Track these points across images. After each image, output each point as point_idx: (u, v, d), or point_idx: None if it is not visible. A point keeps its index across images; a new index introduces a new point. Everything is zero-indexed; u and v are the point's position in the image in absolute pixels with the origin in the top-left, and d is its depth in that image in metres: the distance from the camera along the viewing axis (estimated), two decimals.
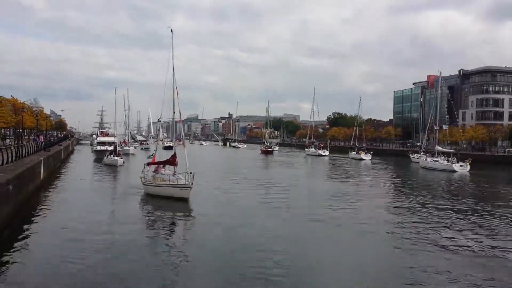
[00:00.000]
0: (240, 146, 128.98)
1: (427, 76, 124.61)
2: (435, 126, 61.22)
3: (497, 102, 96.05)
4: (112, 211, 23.01)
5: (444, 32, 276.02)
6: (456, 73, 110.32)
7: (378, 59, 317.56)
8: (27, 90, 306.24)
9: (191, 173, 24.70)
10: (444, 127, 65.73)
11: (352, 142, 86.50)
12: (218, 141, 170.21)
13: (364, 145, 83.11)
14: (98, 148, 67.26)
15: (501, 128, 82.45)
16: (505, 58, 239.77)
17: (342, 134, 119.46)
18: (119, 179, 38.46)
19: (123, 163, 50.20)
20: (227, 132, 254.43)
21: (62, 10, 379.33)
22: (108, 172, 42.87)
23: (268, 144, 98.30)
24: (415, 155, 65.75)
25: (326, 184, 37.28)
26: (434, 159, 55.68)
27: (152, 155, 30.81)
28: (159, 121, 45.45)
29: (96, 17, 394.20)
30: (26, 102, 69.10)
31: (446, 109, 79.77)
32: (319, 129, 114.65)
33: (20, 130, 65.47)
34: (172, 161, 27.43)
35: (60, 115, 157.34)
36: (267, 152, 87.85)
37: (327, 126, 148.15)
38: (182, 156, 26.04)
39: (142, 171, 28.19)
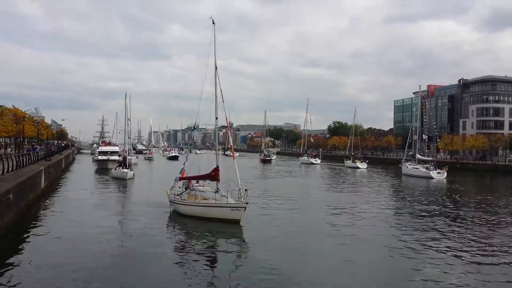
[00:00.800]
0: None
1: (427, 85, 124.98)
2: (420, 137, 65.13)
3: (498, 111, 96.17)
4: (130, 230, 19.78)
5: (442, 42, 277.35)
6: (456, 82, 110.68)
7: (376, 69, 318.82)
8: (26, 100, 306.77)
9: (245, 190, 21.09)
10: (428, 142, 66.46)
11: (347, 151, 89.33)
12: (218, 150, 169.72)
13: (359, 154, 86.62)
14: (100, 158, 62.39)
15: (501, 137, 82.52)
16: (504, 67, 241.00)
17: (342, 143, 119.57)
18: (131, 194, 34.64)
19: (133, 176, 45.63)
20: (228, 141, 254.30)
21: (59, 20, 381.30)
22: (115, 186, 39.08)
23: (266, 153, 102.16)
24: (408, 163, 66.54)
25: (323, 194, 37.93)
26: (414, 166, 58.81)
27: (182, 168, 25.47)
28: (194, 128, 35.39)
29: (92, 28, 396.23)
30: (27, 112, 69.36)
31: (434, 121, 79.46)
32: (311, 138, 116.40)
33: (21, 140, 65.53)
34: (214, 176, 23.51)
35: (61, 125, 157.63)
36: (265, 161, 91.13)
37: (328, 135, 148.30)
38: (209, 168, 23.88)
39: (173, 186, 24.39)
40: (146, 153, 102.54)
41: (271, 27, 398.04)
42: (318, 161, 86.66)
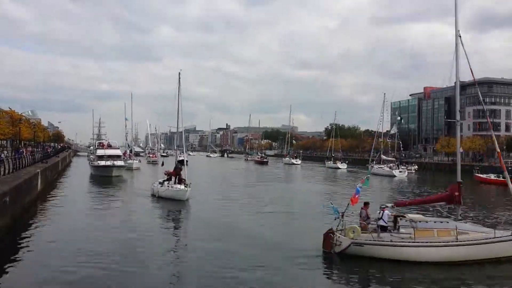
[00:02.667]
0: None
1: (424, 87, 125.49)
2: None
3: (494, 113, 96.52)
4: None
5: (430, 43, 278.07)
6: (453, 84, 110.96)
7: (367, 70, 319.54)
8: (21, 102, 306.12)
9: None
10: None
11: (328, 153, 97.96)
12: (215, 152, 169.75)
13: (340, 155, 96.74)
14: (101, 163, 49.94)
15: (498, 139, 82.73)
16: (493, 67, 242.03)
17: (342, 145, 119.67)
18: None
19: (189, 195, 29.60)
20: (225, 143, 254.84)
21: (49, 23, 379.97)
22: (165, 210, 27.05)
23: (263, 155, 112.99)
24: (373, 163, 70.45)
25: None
26: (379, 166, 63.66)
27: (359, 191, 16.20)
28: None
29: (83, 30, 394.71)
30: (23, 114, 69.15)
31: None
32: (293, 140, 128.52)
33: (18, 142, 65.34)
34: (454, 198, 16.60)
35: (58, 127, 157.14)
36: (262, 162, 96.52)
37: (325, 137, 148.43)
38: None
39: (339, 222, 15.53)
40: (149, 156, 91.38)
41: (260, 28, 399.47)
42: (299, 161, 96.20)
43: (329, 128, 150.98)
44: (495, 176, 49.95)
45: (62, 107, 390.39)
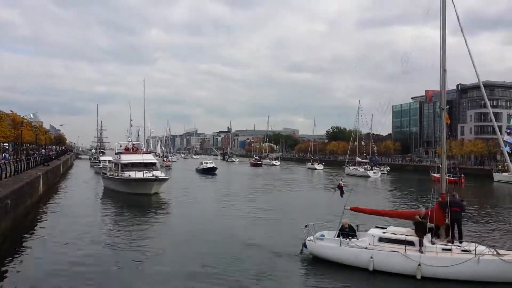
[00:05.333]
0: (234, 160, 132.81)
1: (425, 90, 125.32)
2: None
3: (496, 117, 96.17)
4: None
5: (420, 46, 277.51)
6: (454, 87, 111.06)
7: (360, 73, 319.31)
8: (18, 105, 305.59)
9: None
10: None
11: (308, 155, 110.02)
12: (216, 155, 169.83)
13: (317, 157, 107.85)
14: (125, 175, 35.33)
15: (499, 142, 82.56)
16: (486, 70, 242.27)
17: (341, 148, 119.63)
18: None
19: None
20: (226, 146, 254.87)
21: (39, 26, 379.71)
22: None
23: (257, 158, 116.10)
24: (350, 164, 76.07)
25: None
26: (355, 167, 69.32)
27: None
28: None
29: (73, 33, 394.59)
30: (25, 117, 69.25)
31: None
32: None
33: (20, 145, 65.43)
34: None
35: (59, 130, 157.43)
36: (256, 165, 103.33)
37: (326, 140, 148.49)
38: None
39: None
40: (163, 160, 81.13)
41: (249, 31, 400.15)
42: (278, 163, 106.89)
43: (331, 131, 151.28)
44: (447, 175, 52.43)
45: (61, 110, 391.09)
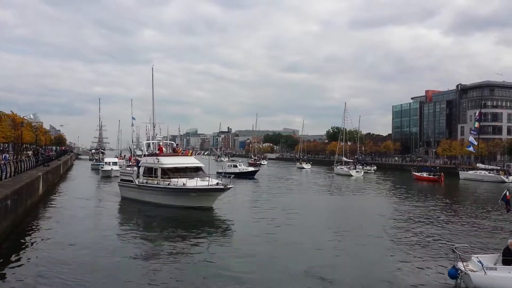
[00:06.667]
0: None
1: (425, 91, 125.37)
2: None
3: (496, 117, 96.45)
4: None
5: (415, 47, 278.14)
6: (454, 87, 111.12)
7: (357, 73, 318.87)
8: (17, 105, 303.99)
9: None
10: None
11: (298, 155, 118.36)
12: (220, 156, 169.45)
13: (306, 156, 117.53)
14: (168, 184, 28.64)
15: (499, 142, 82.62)
16: (481, 71, 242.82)
17: (340, 148, 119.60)
18: None
19: None
20: (227, 146, 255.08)
21: (34, 26, 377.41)
22: None
23: (256, 158, 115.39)
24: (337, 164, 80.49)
25: None
26: (341, 167, 74.08)
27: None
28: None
29: (67, 33, 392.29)
30: (25, 117, 69.30)
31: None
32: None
33: (20, 145, 65.46)
34: None
35: (60, 130, 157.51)
36: (255, 165, 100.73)
37: (326, 141, 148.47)
38: None
39: None
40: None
41: (243, 32, 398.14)
42: (265, 162, 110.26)
43: (331, 131, 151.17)
44: (427, 174, 59.74)
45: (60, 110, 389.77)
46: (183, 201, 27.33)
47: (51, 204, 29.72)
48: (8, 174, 24.62)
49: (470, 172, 63.30)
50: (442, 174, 57.68)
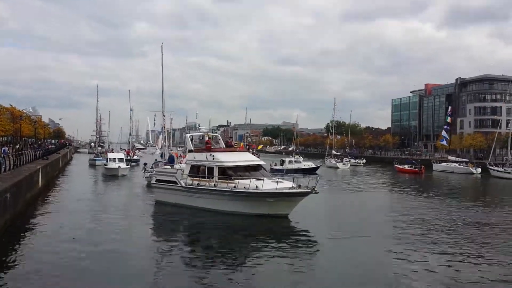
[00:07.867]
0: None
1: (425, 84, 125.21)
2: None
3: (495, 110, 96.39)
4: None
5: (409, 40, 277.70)
6: (454, 81, 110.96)
7: (352, 66, 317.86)
8: (15, 99, 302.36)
9: None
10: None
11: (292, 148, 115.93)
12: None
13: (298, 150, 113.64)
14: (233, 186, 23.30)
15: (499, 136, 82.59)
16: (480, 64, 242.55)
17: (340, 142, 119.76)
18: None
19: None
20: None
21: (27, 20, 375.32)
22: None
23: (255, 152, 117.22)
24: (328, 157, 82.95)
25: None
26: (330, 160, 77.99)
27: None
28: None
29: (60, 27, 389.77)
30: (24, 111, 69.15)
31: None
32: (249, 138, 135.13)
33: (19, 139, 65.38)
34: None
35: (58, 123, 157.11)
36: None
37: (326, 134, 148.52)
38: None
39: None
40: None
41: (236, 24, 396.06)
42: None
43: (330, 124, 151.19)
44: (408, 167, 63.31)
45: (58, 104, 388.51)
46: (253, 207, 22.46)
47: (50, 197, 29.74)
48: (8, 168, 24.64)
49: (442, 164, 68.55)
50: (423, 166, 62.11)
